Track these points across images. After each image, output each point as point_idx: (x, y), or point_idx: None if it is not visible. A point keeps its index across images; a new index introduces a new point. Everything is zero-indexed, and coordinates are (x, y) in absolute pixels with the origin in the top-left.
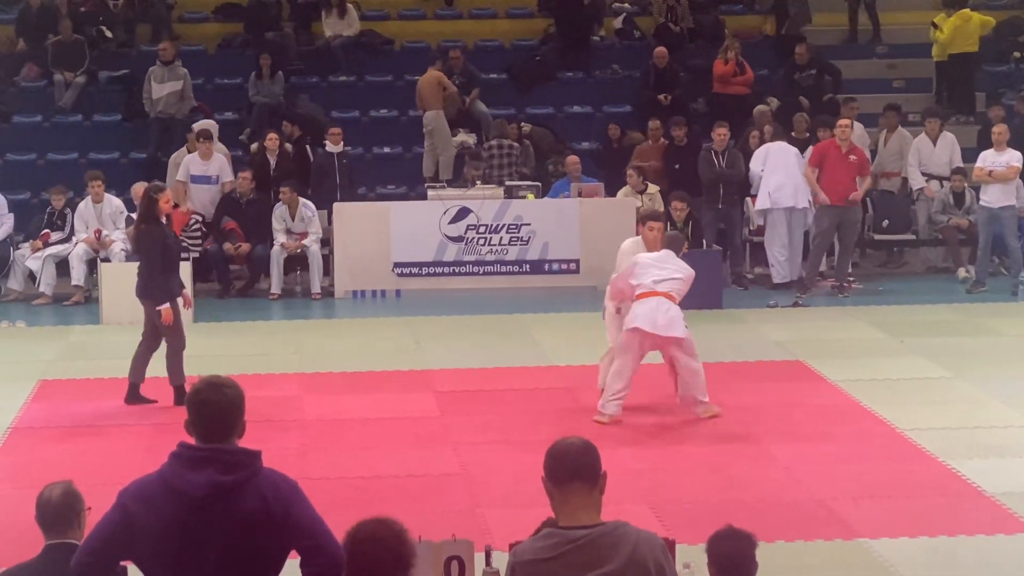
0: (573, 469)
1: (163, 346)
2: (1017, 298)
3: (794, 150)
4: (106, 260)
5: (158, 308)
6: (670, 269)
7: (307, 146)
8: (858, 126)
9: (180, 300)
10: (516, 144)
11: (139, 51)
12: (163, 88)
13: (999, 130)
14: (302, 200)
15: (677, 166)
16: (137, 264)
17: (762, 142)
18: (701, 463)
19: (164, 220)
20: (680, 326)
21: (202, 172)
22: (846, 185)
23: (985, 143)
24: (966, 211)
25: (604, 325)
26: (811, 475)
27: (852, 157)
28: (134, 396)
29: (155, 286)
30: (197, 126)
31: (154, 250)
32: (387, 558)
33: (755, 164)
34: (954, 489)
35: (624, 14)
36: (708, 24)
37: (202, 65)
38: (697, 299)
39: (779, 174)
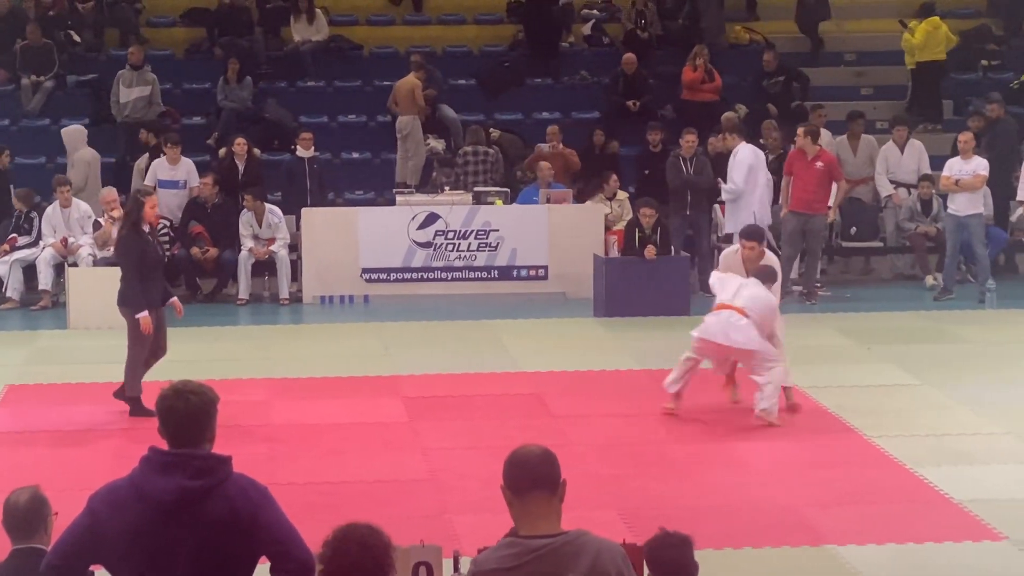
0: (533, 478)
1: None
2: (984, 305)
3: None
4: (74, 265)
5: (136, 316)
6: (746, 296)
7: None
8: (825, 133)
9: (146, 313)
10: (491, 151)
11: (107, 55)
12: (131, 92)
13: (965, 138)
14: (268, 206)
15: (647, 172)
16: (105, 268)
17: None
18: (670, 469)
19: (148, 227)
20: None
21: (169, 177)
22: (813, 192)
23: (954, 151)
24: (933, 219)
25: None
26: (779, 481)
27: (819, 164)
28: (137, 409)
29: (132, 294)
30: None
31: (132, 257)
32: (368, 566)
33: (739, 176)
34: (921, 496)
35: (593, 20)
36: (677, 31)
37: (170, 70)
38: (665, 306)
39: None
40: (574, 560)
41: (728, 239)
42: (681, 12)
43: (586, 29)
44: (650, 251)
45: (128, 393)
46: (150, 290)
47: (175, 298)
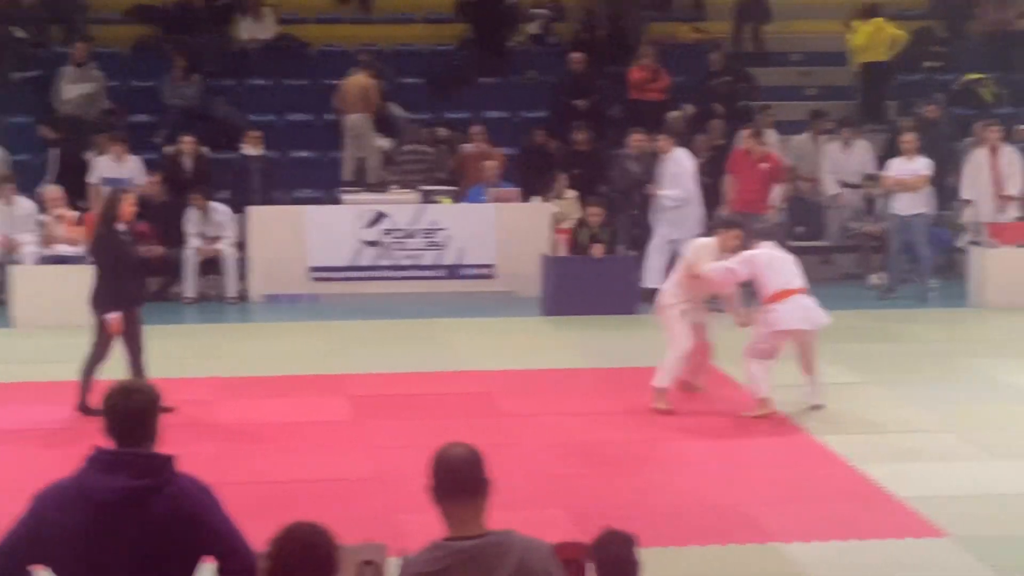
0: (458, 482)
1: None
2: (927, 304)
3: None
4: (16, 263)
5: (106, 317)
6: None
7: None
8: (772, 134)
9: (117, 314)
10: (430, 150)
11: (52, 52)
12: (74, 89)
13: (908, 139)
14: (215, 204)
15: (578, 171)
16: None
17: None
18: (617, 468)
19: (124, 226)
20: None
21: (115, 175)
22: (755, 192)
23: (894, 152)
24: (878, 218)
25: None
26: (724, 479)
27: (763, 165)
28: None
29: (104, 294)
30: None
31: (106, 257)
32: (313, 565)
33: (689, 181)
34: (865, 493)
35: (541, 20)
36: (625, 31)
37: (116, 67)
38: (612, 304)
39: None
40: (500, 560)
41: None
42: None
43: (534, 28)
44: (597, 250)
45: (81, 389)
46: (126, 290)
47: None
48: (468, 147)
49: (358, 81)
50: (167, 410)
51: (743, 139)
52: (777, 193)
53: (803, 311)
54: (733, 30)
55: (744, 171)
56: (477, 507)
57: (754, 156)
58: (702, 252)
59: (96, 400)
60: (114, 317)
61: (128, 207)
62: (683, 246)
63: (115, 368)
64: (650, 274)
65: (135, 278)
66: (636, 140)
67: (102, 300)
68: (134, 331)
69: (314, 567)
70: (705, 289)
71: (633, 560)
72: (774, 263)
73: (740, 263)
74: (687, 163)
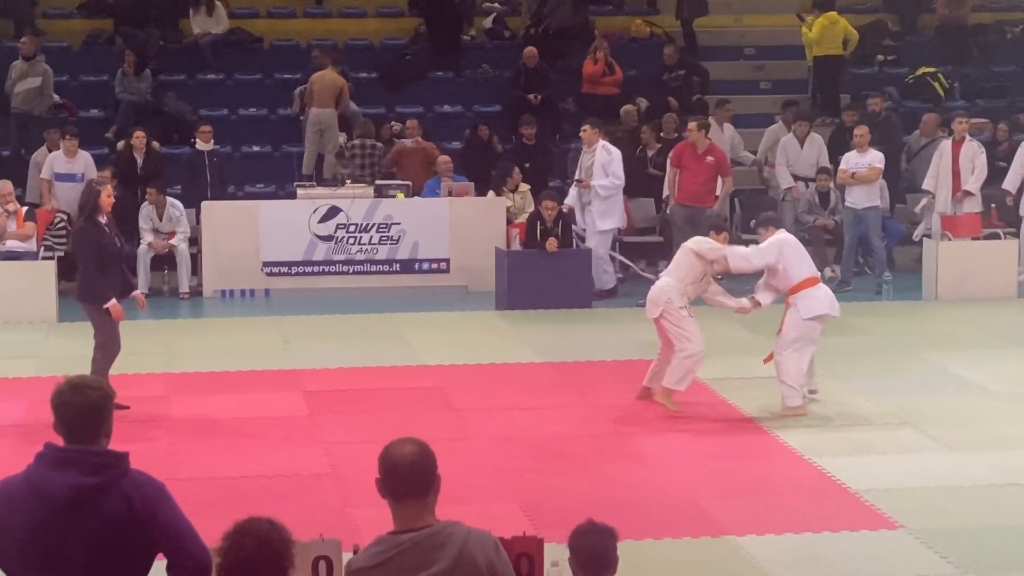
0: (405, 482)
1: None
2: (881, 297)
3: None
4: None
5: (105, 307)
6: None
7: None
8: (728, 128)
9: (114, 301)
10: (379, 144)
11: (2, 47)
12: (22, 84)
13: (860, 132)
14: (169, 199)
15: (528, 165)
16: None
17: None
18: (571, 462)
19: (104, 217)
20: None
21: (67, 170)
22: (701, 185)
23: (838, 145)
24: (831, 211)
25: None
26: (680, 473)
27: (709, 158)
28: None
29: (94, 286)
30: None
31: (88, 249)
32: (267, 560)
33: (620, 171)
34: (820, 487)
35: (494, 14)
36: (578, 24)
37: (67, 62)
38: (567, 298)
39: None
40: (438, 552)
41: (630, 231)
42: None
43: (487, 22)
44: (552, 243)
45: None
46: (110, 282)
47: (138, 291)
48: (407, 142)
49: (329, 77)
50: (122, 407)
51: (688, 132)
52: (722, 186)
53: (830, 297)
54: (679, 23)
55: (690, 164)
56: (424, 504)
57: (700, 149)
58: (708, 246)
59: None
60: (114, 304)
61: (108, 198)
62: (611, 236)
63: (64, 365)
64: (603, 275)
65: (119, 270)
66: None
67: (91, 293)
68: (102, 327)
69: (269, 562)
70: (702, 286)
71: (612, 555)
72: (799, 250)
73: (769, 249)
74: (617, 154)
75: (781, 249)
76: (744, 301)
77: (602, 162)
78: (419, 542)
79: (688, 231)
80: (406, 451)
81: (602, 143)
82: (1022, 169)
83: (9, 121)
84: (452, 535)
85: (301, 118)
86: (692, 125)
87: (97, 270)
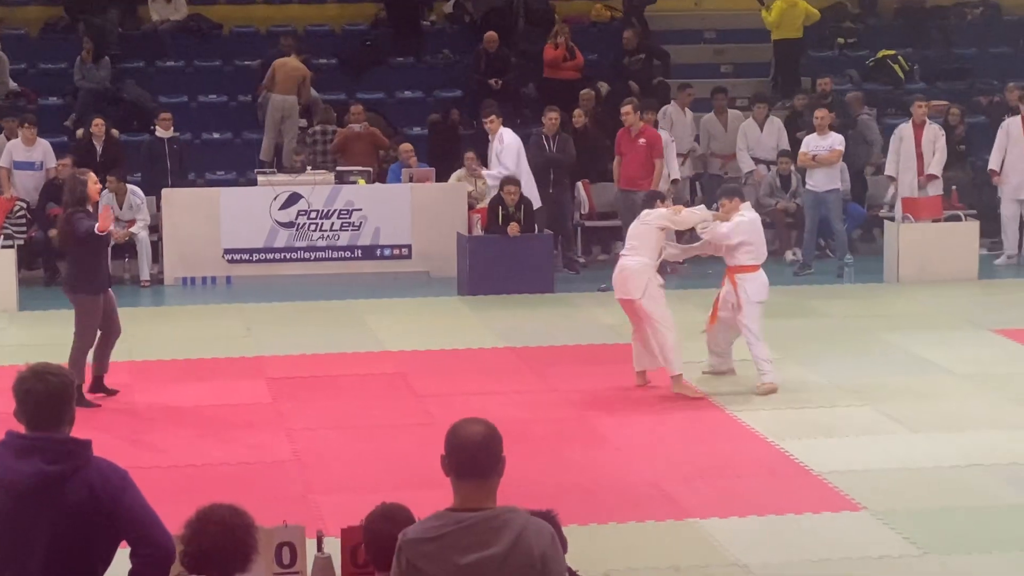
0: (473, 463)
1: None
2: (842, 280)
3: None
4: None
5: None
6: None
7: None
8: (689, 113)
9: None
10: (339, 130)
11: None
12: None
13: (821, 114)
14: (130, 187)
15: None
16: None
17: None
18: (533, 446)
19: (91, 207)
20: None
21: (25, 158)
22: (635, 169)
23: (793, 128)
24: (792, 194)
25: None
26: (642, 456)
27: (642, 140)
28: (98, 387)
29: (78, 276)
30: None
31: (83, 237)
32: (230, 547)
33: (511, 161)
34: (782, 469)
35: None
36: (538, 9)
37: (25, 49)
38: (529, 283)
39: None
40: (496, 535)
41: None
42: None
43: (448, 7)
44: (513, 228)
45: (93, 372)
46: (101, 270)
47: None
48: (355, 127)
49: (292, 64)
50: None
51: (623, 115)
52: (659, 168)
53: (767, 281)
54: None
55: (627, 149)
56: (487, 486)
57: (633, 132)
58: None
59: (112, 381)
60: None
61: (94, 186)
62: None
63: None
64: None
65: (106, 258)
66: (550, 119)
67: (78, 282)
68: (111, 310)
69: (232, 549)
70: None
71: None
72: (761, 232)
73: (737, 227)
74: (512, 141)
75: (743, 231)
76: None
77: (496, 151)
78: (478, 523)
79: (627, 218)
80: (474, 431)
81: (501, 131)
82: (1003, 149)
83: None
84: (511, 520)
85: (259, 101)
86: (627, 108)
87: (90, 257)
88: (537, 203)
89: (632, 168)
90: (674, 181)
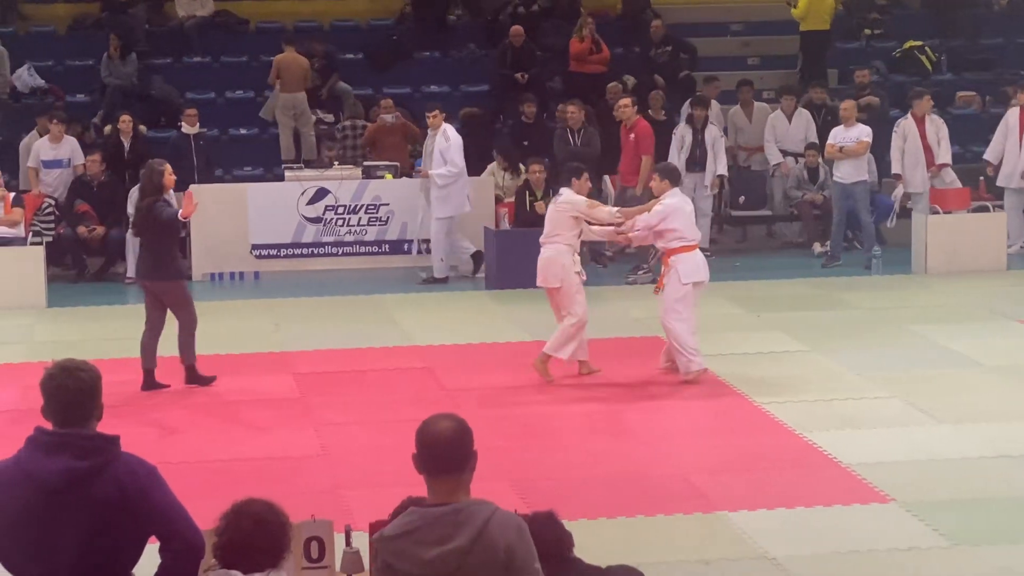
0: (442, 459)
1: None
2: (870, 272)
3: None
4: None
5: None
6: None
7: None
8: (715, 104)
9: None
10: (369, 125)
11: None
12: None
13: (847, 106)
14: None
15: (526, 143)
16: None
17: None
18: (561, 439)
19: (168, 196)
20: None
21: (52, 156)
22: (626, 164)
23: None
24: (820, 187)
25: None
26: (671, 449)
27: (632, 136)
28: (149, 383)
29: (166, 264)
30: None
31: (157, 227)
32: (262, 542)
33: (459, 158)
34: (811, 461)
35: None
36: (563, 3)
37: (53, 46)
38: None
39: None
40: (457, 528)
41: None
42: None
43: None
44: (540, 206)
45: (184, 361)
46: (180, 256)
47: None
48: (387, 118)
49: (296, 59)
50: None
51: (619, 107)
52: (646, 164)
53: (705, 263)
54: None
55: (623, 143)
56: (459, 481)
57: (627, 127)
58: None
59: (206, 368)
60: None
61: (169, 177)
62: (453, 223)
63: (53, 349)
64: (438, 263)
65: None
66: (572, 112)
67: (160, 269)
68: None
69: (265, 544)
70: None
71: (563, 533)
72: (685, 214)
73: (654, 217)
74: (457, 139)
75: (666, 217)
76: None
77: (440, 148)
78: (442, 516)
79: None
80: (442, 427)
81: (444, 128)
82: (1004, 140)
83: None
84: (475, 513)
85: (267, 94)
86: (624, 101)
87: (171, 245)
88: (468, 208)
89: (624, 163)
90: (720, 176)
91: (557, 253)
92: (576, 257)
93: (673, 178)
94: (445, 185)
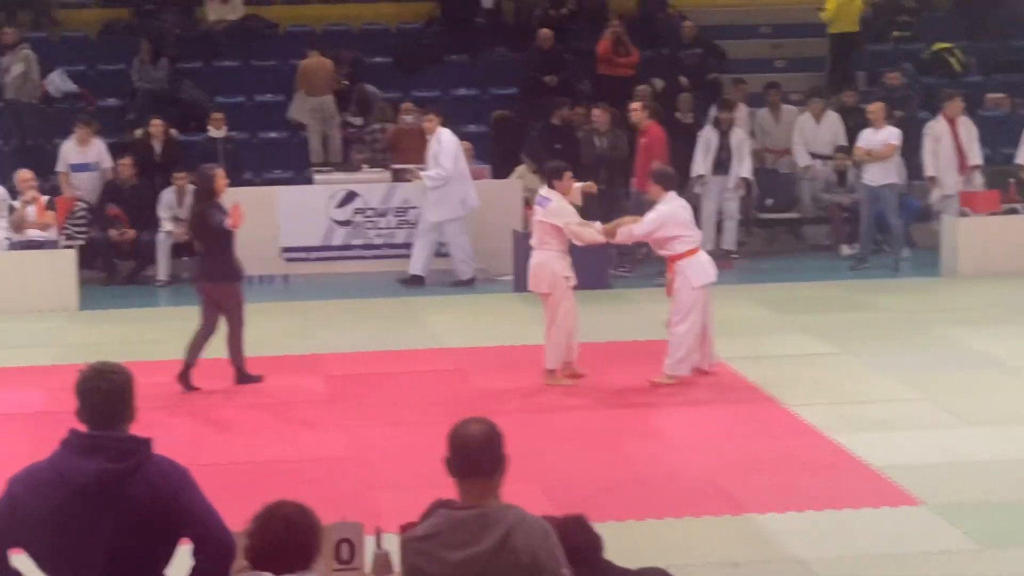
0: (473, 462)
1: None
2: (899, 274)
3: None
4: None
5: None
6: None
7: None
8: (742, 107)
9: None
10: (386, 127)
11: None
12: (9, 74)
13: (874, 108)
14: (190, 187)
15: (559, 146)
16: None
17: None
18: (590, 441)
19: (221, 199)
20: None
21: (81, 160)
22: (641, 169)
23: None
24: (849, 189)
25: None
26: (699, 451)
27: (643, 140)
28: (184, 379)
29: (220, 266)
30: None
31: (211, 230)
32: (293, 545)
33: (448, 161)
34: (840, 463)
35: None
36: (592, 5)
37: (84, 51)
38: (585, 279)
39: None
40: (484, 532)
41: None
42: None
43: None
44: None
45: (236, 363)
46: (236, 259)
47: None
48: (407, 118)
49: (320, 64)
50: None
51: (630, 111)
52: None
53: (712, 264)
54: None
55: (638, 148)
56: (488, 485)
57: (640, 130)
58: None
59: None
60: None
61: (222, 181)
62: (447, 227)
63: (85, 352)
64: (417, 261)
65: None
66: (599, 115)
67: (216, 272)
68: (238, 304)
69: (295, 546)
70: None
71: (593, 537)
72: (684, 219)
73: (648, 224)
74: (449, 142)
75: (663, 223)
76: (599, 231)
77: (433, 152)
78: (468, 520)
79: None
80: (474, 430)
81: (439, 131)
82: None
83: (6, 110)
84: (500, 518)
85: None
86: (635, 105)
87: (227, 247)
88: (475, 203)
89: (638, 168)
90: (743, 179)
91: (548, 259)
92: (567, 261)
93: (667, 183)
94: (435, 188)
